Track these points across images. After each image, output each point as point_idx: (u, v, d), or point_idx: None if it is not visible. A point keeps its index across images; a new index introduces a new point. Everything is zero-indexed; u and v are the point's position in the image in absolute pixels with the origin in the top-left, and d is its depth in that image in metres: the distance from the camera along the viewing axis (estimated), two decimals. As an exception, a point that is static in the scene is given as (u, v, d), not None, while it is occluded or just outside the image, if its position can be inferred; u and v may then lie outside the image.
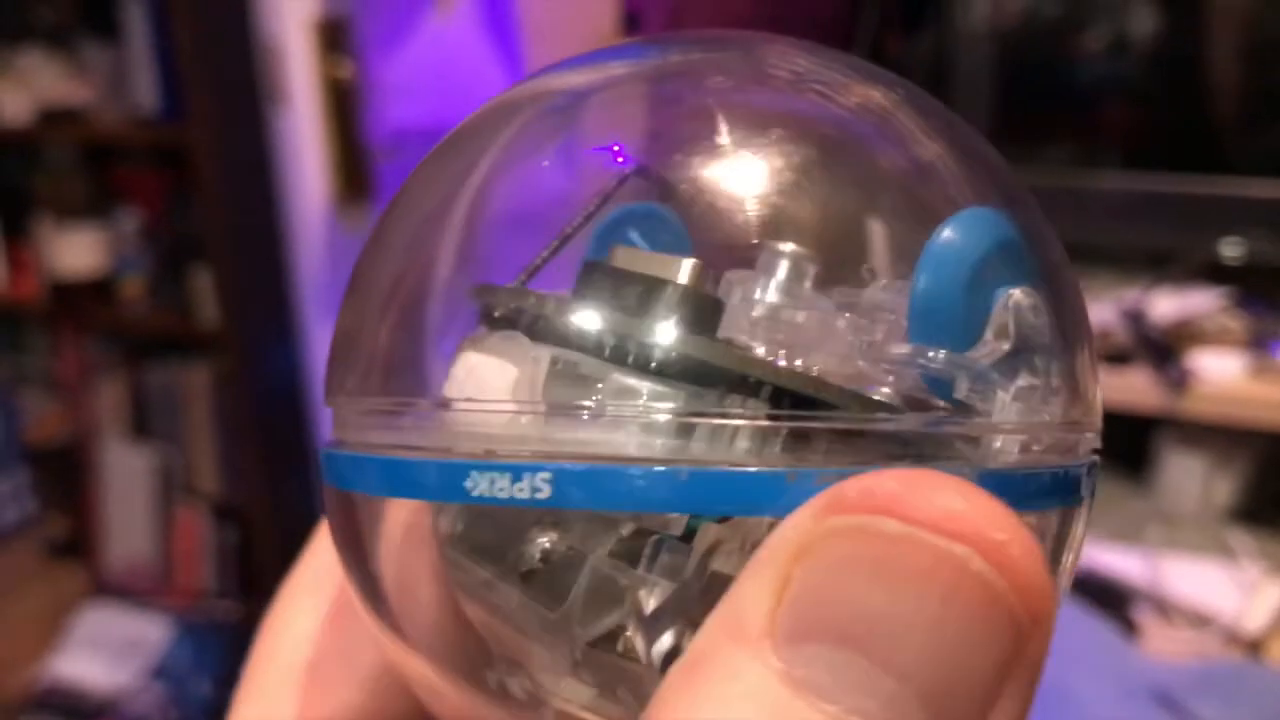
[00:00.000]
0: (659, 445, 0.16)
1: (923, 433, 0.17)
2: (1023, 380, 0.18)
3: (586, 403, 0.17)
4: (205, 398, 1.82)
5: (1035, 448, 0.18)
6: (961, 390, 0.17)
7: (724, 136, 0.19)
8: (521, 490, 0.16)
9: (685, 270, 0.18)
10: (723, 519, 0.17)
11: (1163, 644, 0.91)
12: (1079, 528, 0.19)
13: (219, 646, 1.80)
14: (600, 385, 0.17)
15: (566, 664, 0.18)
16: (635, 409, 0.17)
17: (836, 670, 0.13)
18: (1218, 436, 1.02)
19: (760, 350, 0.18)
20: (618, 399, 0.17)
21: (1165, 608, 0.95)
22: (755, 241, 0.19)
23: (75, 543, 1.95)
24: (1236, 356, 1.01)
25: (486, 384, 0.18)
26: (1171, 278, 1.10)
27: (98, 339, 1.91)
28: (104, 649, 1.76)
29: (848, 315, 0.18)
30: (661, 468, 0.15)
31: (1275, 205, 1.12)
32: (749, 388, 0.17)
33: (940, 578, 0.13)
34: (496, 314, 0.19)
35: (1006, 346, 0.18)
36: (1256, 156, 1.17)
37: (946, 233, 0.18)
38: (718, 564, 0.17)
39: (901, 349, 0.18)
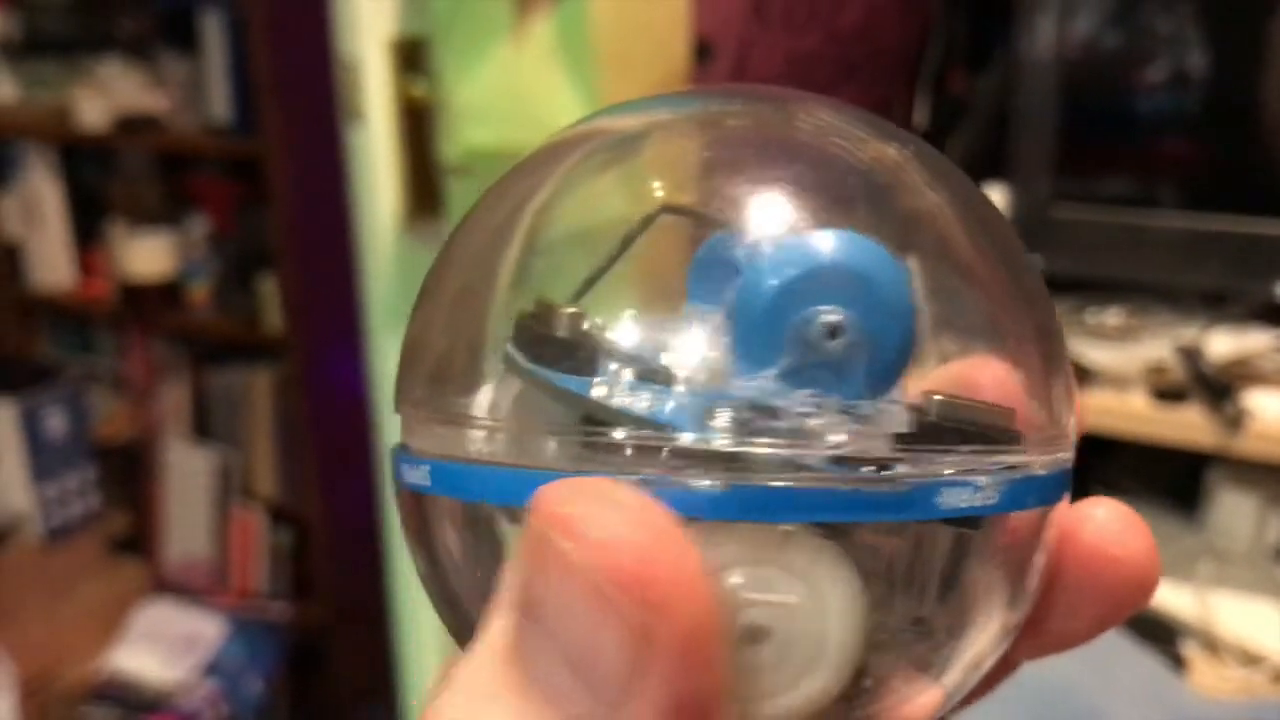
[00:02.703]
0: (536, 452, 0.21)
1: (698, 450, 0.19)
2: (805, 399, 0.19)
3: (491, 423, 0.22)
4: (266, 402, 1.86)
5: (886, 462, 0.19)
6: (703, 416, 0.19)
7: (748, 178, 0.21)
8: (420, 479, 0.21)
9: (564, 322, 0.21)
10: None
11: (1211, 681, 0.92)
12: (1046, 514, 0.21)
13: (271, 646, 1.83)
14: (529, 406, 0.21)
15: None
16: (542, 428, 0.21)
17: (523, 633, 0.17)
18: (1271, 475, 1.03)
19: (618, 390, 0.20)
20: (531, 416, 0.21)
21: (1214, 645, 0.95)
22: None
23: (136, 539, 1.99)
24: (1287, 397, 1.02)
25: (481, 404, 0.22)
26: (1229, 317, 1.10)
27: (164, 341, 1.95)
28: (161, 644, 1.79)
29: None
30: (483, 466, 0.20)
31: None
32: (586, 411, 0.20)
33: (560, 568, 0.16)
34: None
35: (785, 367, 0.19)
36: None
37: (758, 256, 0.20)
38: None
39: (728, 370, 0.20)
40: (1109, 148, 1.23)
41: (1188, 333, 1.08)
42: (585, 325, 0.21)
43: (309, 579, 1.82)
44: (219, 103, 1.76)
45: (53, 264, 1.99)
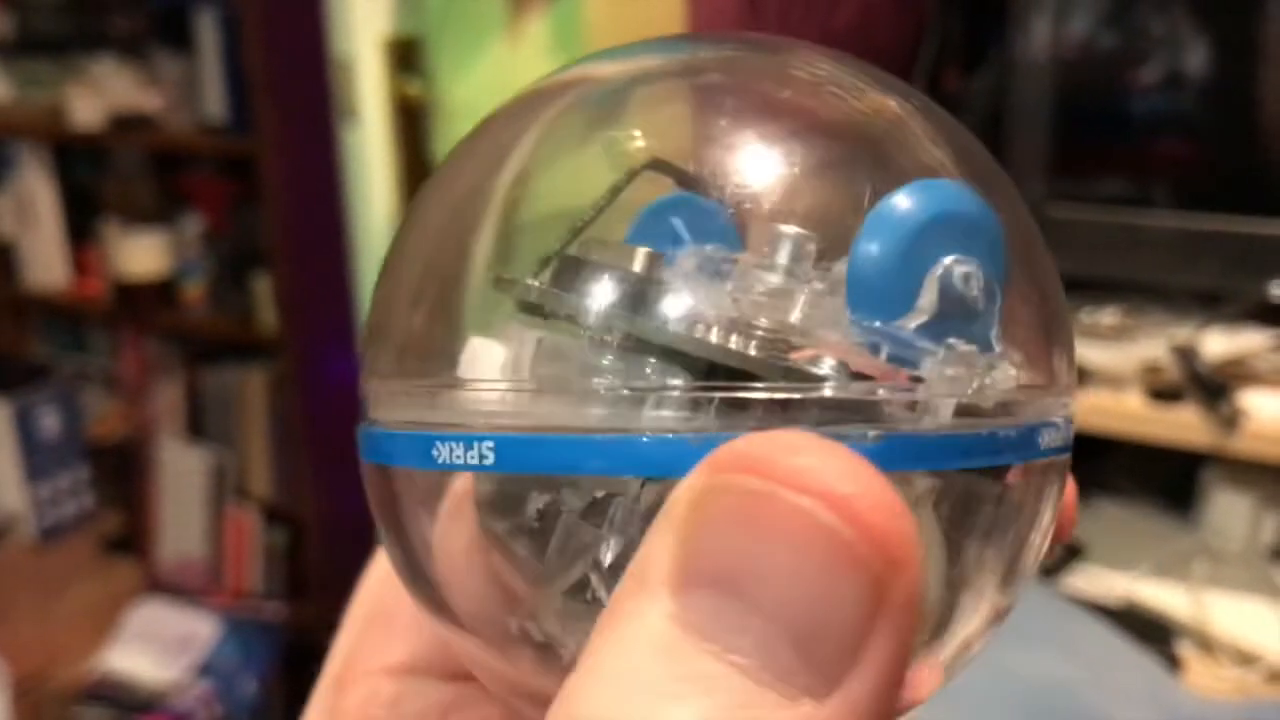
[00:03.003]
0: (601, 415, 0.18)
1: (848, 399, 0.18)
2: (954, 347, 0.18)
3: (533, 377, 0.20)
4: (261, 401, 1.85)
5: (982, 408, 0.19)
6: (884, 357, 0.18)
7: (742, 129, 0.21)
8: (473, 457, 0.18)
9: (639, 259, 0.19)
10: (651, 481, 0.18)
11: (1206, 680, 0.92)
12: (1050, 486, 0.21)
13: (265, 646, 1.82)
14: (574, 363, 0.19)
15: (551, 607, 0.20)
16: (595, 384, 0.19)
17: (714, 613, 0.15)
18: (1266, 475, 1.03)
19: (716, 329, 0.19)
20: (585, 375, 0.19)
21: (1210, 644, 0.95)
22: (764, 224, 0.20)
23: (129, 539, 1.98)
24: (1287, 397, 1.02)
25: (483, 364, 0.20)
26: (1223, 317, 1.10)
27: (158, 340, 1.95)
28: (154, 644, 1.78)
29: (817, 287, 0.20)
30: (585, 436, 0.18)
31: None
32: (687, 362, 0.18)
33: (793, 528, 0.14)
34: (516, 301, 0.21)
35: (926, 317, 0.18)
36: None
37: (888, 201, 0.19)
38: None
39: (837, 319, 0.19)
40: (1104, 147, 1.23)
41: (1183, 332, 1.08)
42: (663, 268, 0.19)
43: (303, 579, 1.82)
44: (213, 101, 1.75)
45: (46, 263, 1.98)
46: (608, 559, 0.19)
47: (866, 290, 0.19)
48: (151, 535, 1.96)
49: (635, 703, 0.14)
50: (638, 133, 0.23)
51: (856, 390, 0.18)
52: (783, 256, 0.20)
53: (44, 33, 1.98)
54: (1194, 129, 1.25)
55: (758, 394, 0.18)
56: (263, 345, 1.78)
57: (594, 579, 0.19)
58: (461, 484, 0.21)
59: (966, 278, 0.19)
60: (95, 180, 1.97)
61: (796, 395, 0.18)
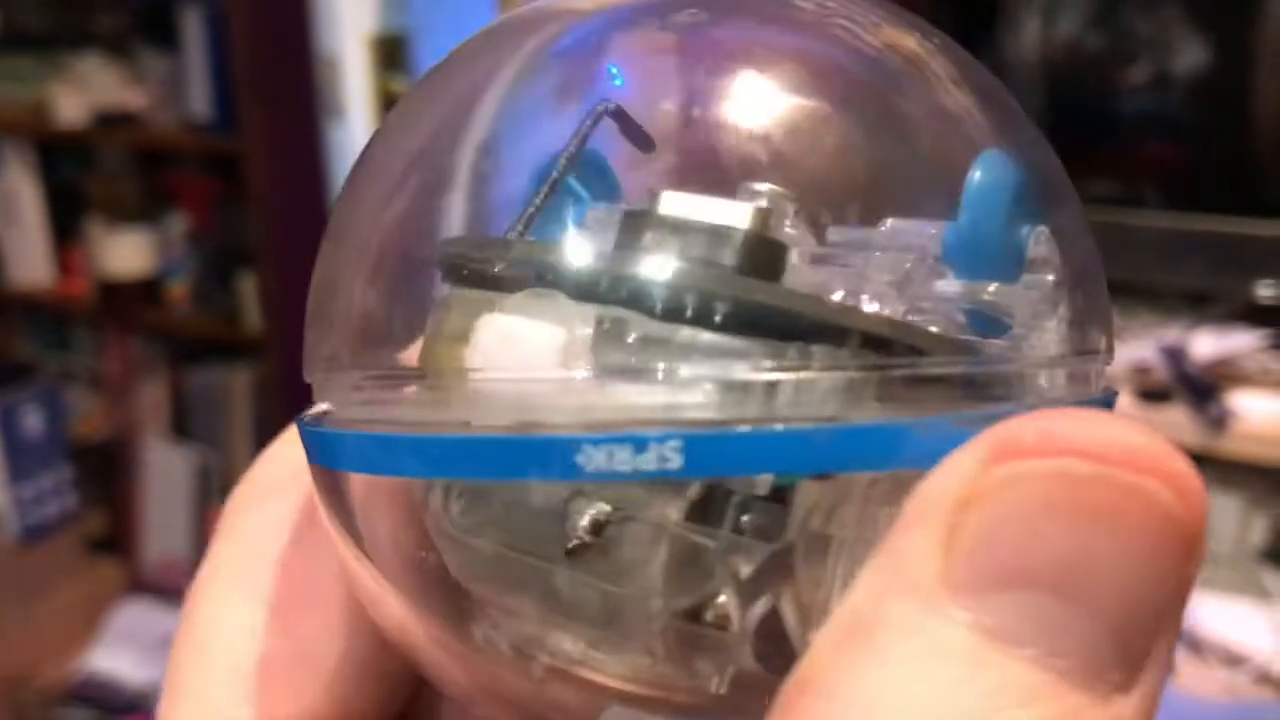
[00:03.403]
0: (754, 406, 0.15)
1: (992, 372, 0.16)
2: (1062, 313, 0.17)
3: (656, 365, 0.16)
4: (246, 401, 1.84)
5: (1076, 380, 0.18)
6: (1021, 324, 0.17)
7: (719, 71, 0.19)
8: (648, 462, 0.15)
9: (747, 215, 0.17)
10: (823, 477, 0.16)
11: (1195, 682, 0.92)
12: None
13: (250, 647, 1.81)
14: (656, 345, 0.16)
15: (636, 638, 0.17)
16: (711, 368, 0.15)
17: (1030, 614, 0.13)
18: (1255, 477, 1.02)
19: (864, 298, 0.17)
20: (680, 358, 0.16)
21: (1198, 646, 0.95)
22: (733, 182, 0.18)
23: (113, 539, 1.97)
24: (1276, 397, 1.02)
25: (527, 350, 0.16)
26: (1212, 317, 1.10)
27: (143, 340, 1.94)
28: (138, 645, 1.76)
29: (877, 255, 0.18)
30: (798, 428, 0.15)
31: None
32: (831, 337, 0.16)
33: (1131, 513, 0.13)
34: (497, 270, 0.17)
35: (1052, 278, 0.17)
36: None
37: (983, 172, 0.17)
38: (815, 524, 0.16)
39: (952, 286, 0.17)
40: (1092, 148, 1.23)
41: (1171, 333, 1.08)
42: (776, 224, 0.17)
43: (288, 579, 1.80)
44: (198, 99, 1.74)
45: (30, 261, 1.97)
46: (746, 570, 0.16)
47: (975, 261, 0.17)
48: (135, 535, 1.94)
49: None
50: (615, 72, 0.20)
51: (1031, 362, 0.17)
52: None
53: (28, 29, 1.97)
54: (1182, 129, 1.25)
55: (948, 370, 0.16)
56: (248, 344, 1.78)
57: (725, 594, 0.17)
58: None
59: (1051, 245, 0.18)
60: (79, 178, 1.96)
61: (950, 371, 0.16)
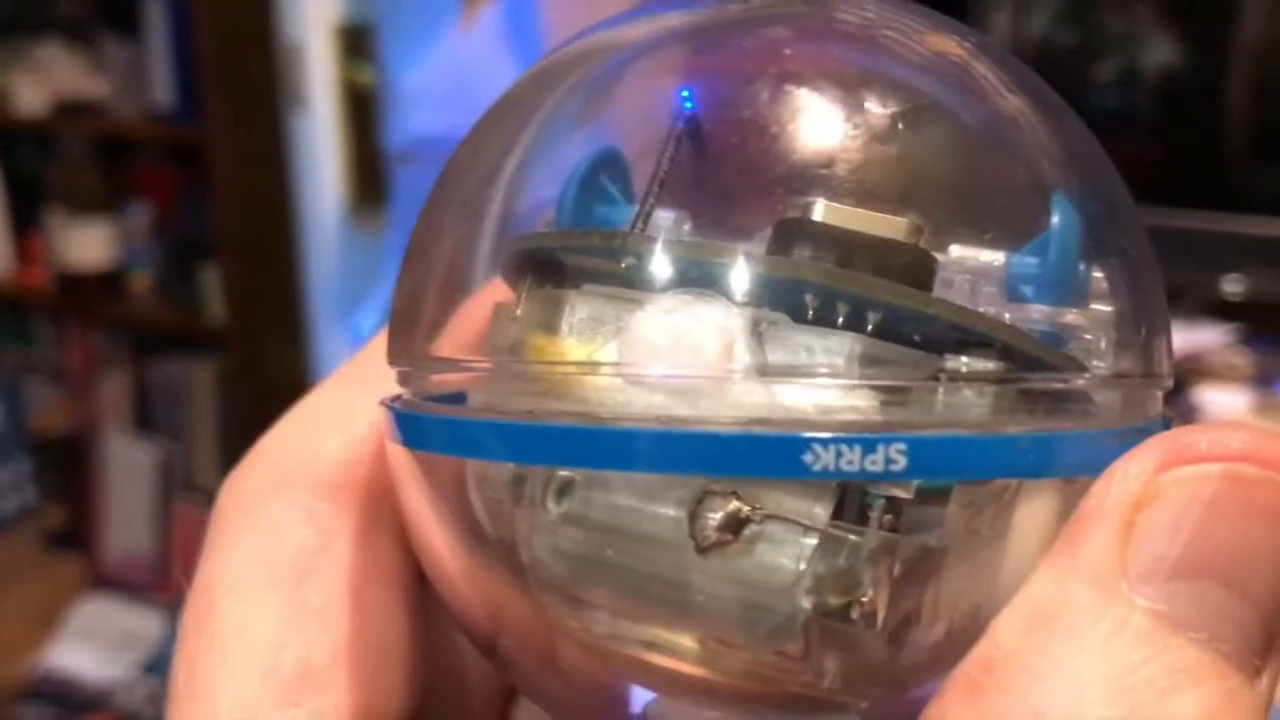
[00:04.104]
0: (916, 412, 0.16)
1: (1081, 390, 0.18)
2: (1116, 337, 0.18)
3: (809, 367, 0.17)
4: (208, 394, 1.83)
5: (1135, 402, 0.19)
6: (1102, 349, 0.18)
7: (780, 88, 0.19)
8: (874, 464, 0.15)
9: (902, 228, 0.17)
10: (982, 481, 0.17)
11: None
12: None
13: (213, 643, 1.80)
14: (806, 349, 0.17)
15: (775, 637, 0.17)
16: (870, 374, 0.16)
17: (1200, 601, 0.15)
18: (1220, 472, 1.03)
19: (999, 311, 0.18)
20: (836, 363, 0.16)
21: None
22: (794, 198, 0.18)
23: (74, 534, 1.95)
24: (1242, 393, 1.02)
25: (697, 349, 0.16)
26: (1179, 313, 1.11)
27: (104, 332, 1.92)
28: (99, 641, 1.76)
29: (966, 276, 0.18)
30: (1008, 435, 0.16)
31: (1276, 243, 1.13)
32: (976, 349, 0.17)
33: None
34: (624, 265, 0.18)
35: (1109, 309, 0.18)
36: (1263, 194, 1.18)
37: (1061, 216, 0.18)
38: (966, 524, 0.17)
39: (1040, 309, 0.18)
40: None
41: (1138, 328, 1.08)
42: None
43: (252, 575, 1.80)
44: (160, 88, 1.73)
45: (-11, 252, 1.94)
46: (899, 569, 0.17)
47: (1058, 292, 0.18)
48: (96, 530, 1.93)
49: (1135, 697, 0.14)
50: (687, 95, 0.20)
51: (1120, 384, 0.18)
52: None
53: (-13, 16, 1.95)
54: (1151, 126, 1.26)
55: (1053, 384, 0.17)
56: (211, 337, 1.77)
57: (874, 593, 0.17)
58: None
59: (1111, 274, 0.19)
60: (39, 167, 1.94)
61: (1069, 387, 0.18)
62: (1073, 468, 0.16)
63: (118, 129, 1.80)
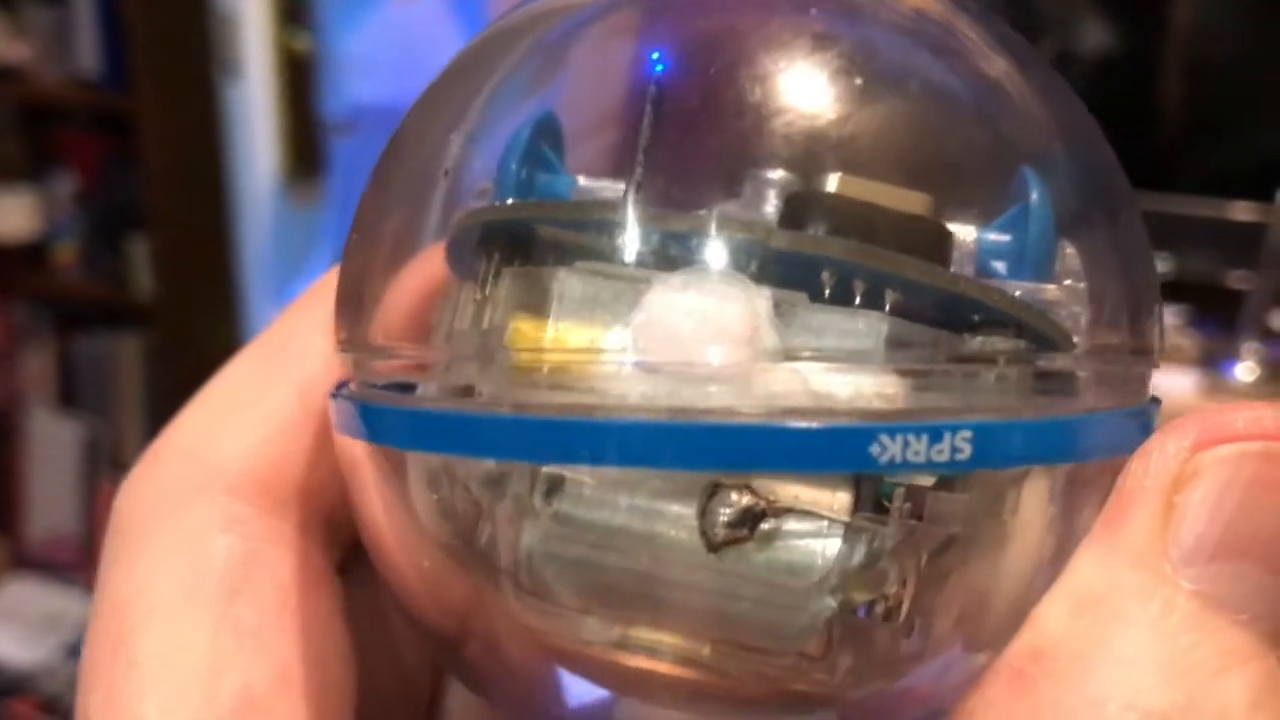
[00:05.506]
0: (942, 395, 0.16)
1: (1099, 371, 0.17)
2: (1110, 312, 0.18)
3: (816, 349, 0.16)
4: (136, 370, 1.81)
5: (1129, 381, 0.18)
6: (1083, 324, 0.17)
7: (750, 50, 0.18)
8: (940, 453, 0.15)
9: (921, 202, 0.17)
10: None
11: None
12: None
13: (141, 624, 1.79)
14: (837, 331, 0.16)
15: (796, 636, 0.16)
16: (894, 355, 0.16)
17: (1241, 581, 0.15)
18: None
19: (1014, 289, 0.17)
20: (844, 342, 0.16)
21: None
22: (752, 169, 0.17)
23: (-4, 514, 1.93)
24: (1189, 375, 1.03)
25: (724, 332, 0.15)
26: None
27: (27, 305, 1.89)
28: (23, 623, 1.74)
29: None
30: (1065, 417, 0.16)
31: (1216, 224, 1.15)
32: (995, 327, 0.16)
33: None
34: (619, 239, 0.17)
35: (1082, 285, 0.18)
36: (1198, 176, 1.20)
37: (1039, 193, 0.17)
38: (989, 510, 0.17)
39: (1021, 286, 0.17)
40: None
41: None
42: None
43: (182, 554, 1.79)
44: (86, 53, 1.69)
45: (-96, 222, 1.90)
46: (923, 561, 0.16)
47: (1039, 270, 0.17)
48: (19, 509, 1.91)
49: (1191, 680, 0.14)
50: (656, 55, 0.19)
51: (1108, 360, 0.18)
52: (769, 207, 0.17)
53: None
54: (1088, 108, 1.27)
55: (1063, 365, 0.17)
56: (138, 311, 1.75)
57: (899, 587, 0.16)
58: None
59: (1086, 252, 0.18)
60: (-43, 135, 1.90)
61: (1079, 368, 0.17)
62: (1115, 449, 0.16)
63: (41, 95, 1.77)
